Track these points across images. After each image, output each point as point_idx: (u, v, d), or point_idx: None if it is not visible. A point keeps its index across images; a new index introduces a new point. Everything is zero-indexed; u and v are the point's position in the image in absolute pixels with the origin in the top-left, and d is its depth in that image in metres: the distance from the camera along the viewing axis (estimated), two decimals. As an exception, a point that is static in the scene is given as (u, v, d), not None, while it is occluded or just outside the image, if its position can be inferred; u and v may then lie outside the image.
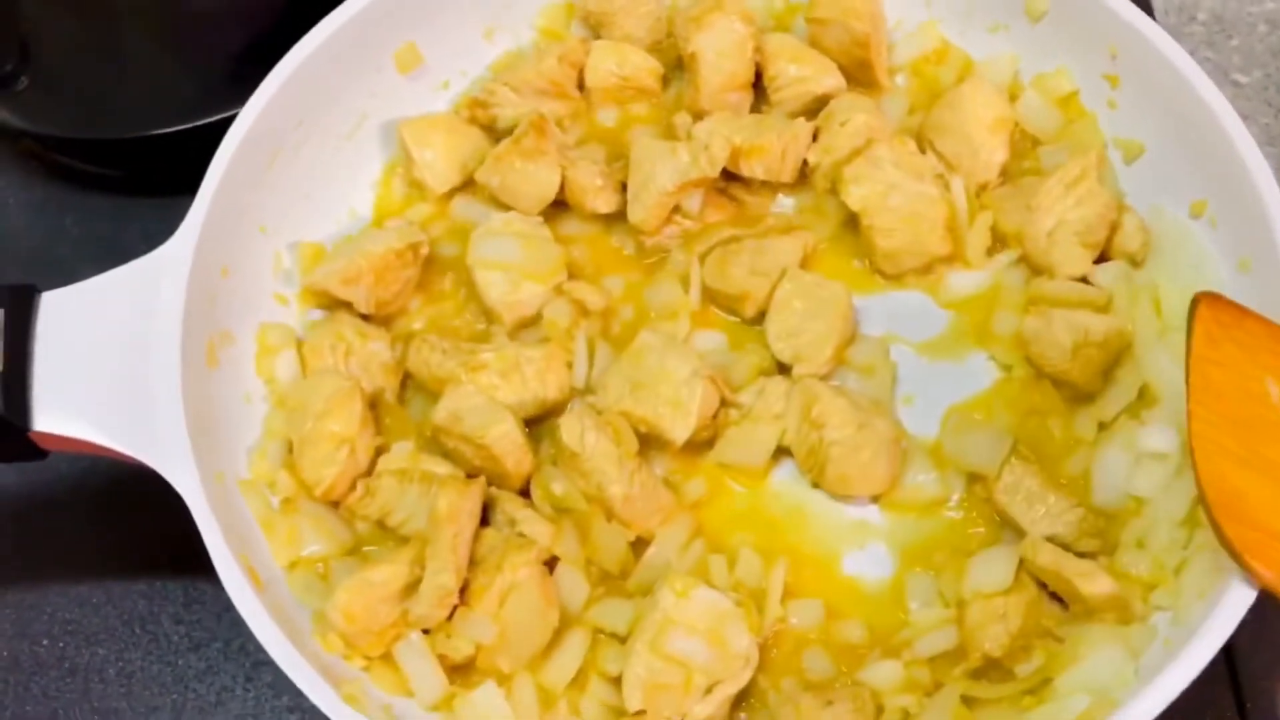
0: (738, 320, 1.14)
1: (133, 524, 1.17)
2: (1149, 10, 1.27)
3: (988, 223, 1.14)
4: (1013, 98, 1.19)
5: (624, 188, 1.16)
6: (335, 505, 1.06)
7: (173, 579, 1.17)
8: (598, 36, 1.26)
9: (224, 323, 1.09)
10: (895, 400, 1.11)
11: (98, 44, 1.29)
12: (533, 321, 1.13)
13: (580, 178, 1.16)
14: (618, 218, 1.17)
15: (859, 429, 1.04)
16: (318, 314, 1.15)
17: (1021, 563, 1.00)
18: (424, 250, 1.14)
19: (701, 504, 1.07)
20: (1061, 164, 1.12)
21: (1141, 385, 1.05)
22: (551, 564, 1.02)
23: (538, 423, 1.09)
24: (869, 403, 1.08)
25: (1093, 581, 0.96)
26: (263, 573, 0.99)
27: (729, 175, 1.17)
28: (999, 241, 1.15)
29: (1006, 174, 1.17)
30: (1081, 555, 1.00)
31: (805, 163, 1.17)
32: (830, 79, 1.20)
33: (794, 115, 1.19)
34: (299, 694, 0.91)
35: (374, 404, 1.10)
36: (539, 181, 1.15)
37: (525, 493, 1.06)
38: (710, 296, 1.15)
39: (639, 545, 1.04)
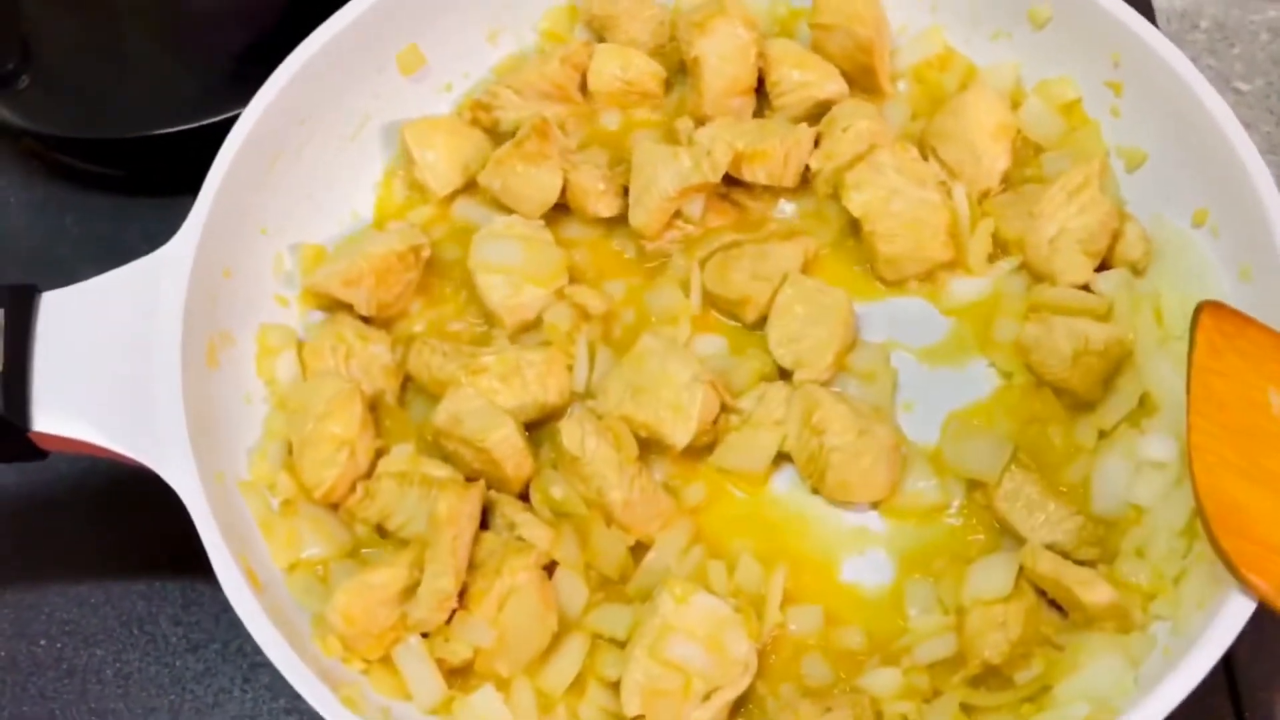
0: (739, 325, 1.14)
1: (132, 524, 1.17)
2: (1150, 18, 1.27)
3: (989, 229, 1.14)
4: (1015, 105, 1.19)
5: (626, 192, 1.16)
6: (335, 507, 1.06)
7: (171, 580, 1.16)
8: (601, 40, 1.26)
9: (224, 324, 1.09)
10: (896, 406, 1.11)
11: (99, 43, 1.29)
12: (533, 325, 1.13)
13: (582, 181, 1.16)
14: (619, 222, 1.17)
15: (859, 435, 1.04)
16: (318, 315, 1.15)
17: (1021, 570, 1.00)
18: (425, 253, 1.14)
19: (701, 509, 1.07)
20: (1064, 171, 1.13)
21: (1142, 394, 1.05)
22: (551, 568, 1.02)
23: (538, 426, 1.09)
24: (869, 409, 1.08)
25: (1092, 590, 0.96)
26: (262, 574, 0.99)
27: (731, 180, 1.17)
28: (1000, 248, 1.15)
29: (1008, 181, 1.17)
30: (1081, 563, 1.00)
31: (807, 168, 1.17)
32: (833, 84, 1.20)
33: (796, 120, 1.19)
34: (296, 696, 0.91)
35: (374, 406, 1.10)
36: (541, 185, 1.15)
37: (525, 497, 1.06)
38: (711, 301, 1.15)
39: (638, 550, 1.04)
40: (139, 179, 1.35)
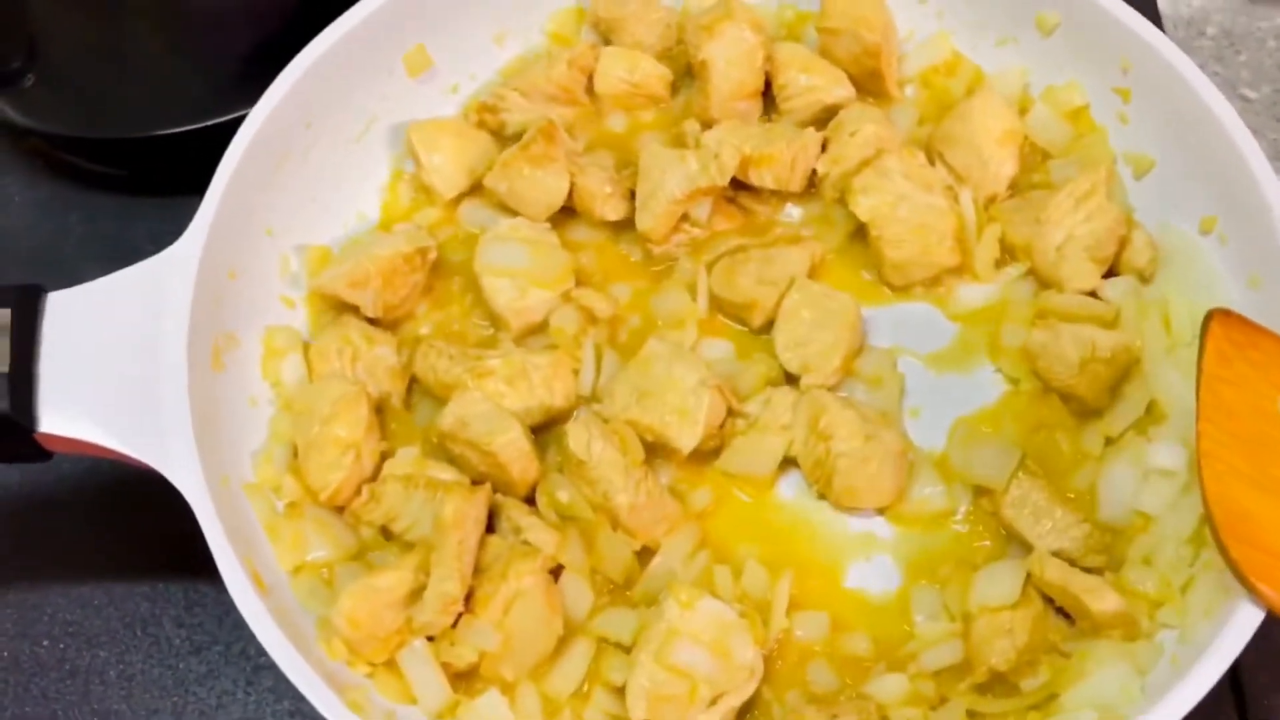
0: (745, 329, 1.14)
1: (135, 525, 1.16)
2: (1157, 25, 1.27)
3: (996, 235, 1.14)
4: (1023, 111, 1.19)
5: (632, 195, 1.16)
6: (340, 510, 1.06)
7: (174, 581, 1.16)
8: (608, 42, 1.26)
9: (230, 325, 1.08)
10: (902, 412, 1.10)
11: (105, 43, 1.29)
12: (540, 328, 1.13)
13: (589, 184, 1.16)
14: (626, 225, 1.17)
15: (866, 441, 1.04)
16: (324, 317, 1.15)
17: (1028, 577, 0.99)
18: (431, 255, 1.14)
19: (707, 514, 1.07)
20: (1071, 178, 1.12)
21: (1149, 401, 1.05)
22: (556, 572, 1.02)
23: (544, 430, 1.09)
24: (876, 414, 1.07)
25: (1100, 598, 0.96)
26: (267, 577, 0.99)
27: (738, 184, 1.17)
28: (1007, 254, 1.15)
29: (1015, 187, 1.17)
30: (1088, 571, 1.00)
31: (814, 172, 1.17)
32: (840, 89, 1.19)
33: (803, 125, 1.19)
34: (300, 699, 0.91)
35: (380, 409, 1.10)
36: (547, 188, 1.15)
37: (531, 500, 1.06)
38: (718, 305, 1.14)
39: (644, 555, 1.04)
40: (144, 179, 1.35)
